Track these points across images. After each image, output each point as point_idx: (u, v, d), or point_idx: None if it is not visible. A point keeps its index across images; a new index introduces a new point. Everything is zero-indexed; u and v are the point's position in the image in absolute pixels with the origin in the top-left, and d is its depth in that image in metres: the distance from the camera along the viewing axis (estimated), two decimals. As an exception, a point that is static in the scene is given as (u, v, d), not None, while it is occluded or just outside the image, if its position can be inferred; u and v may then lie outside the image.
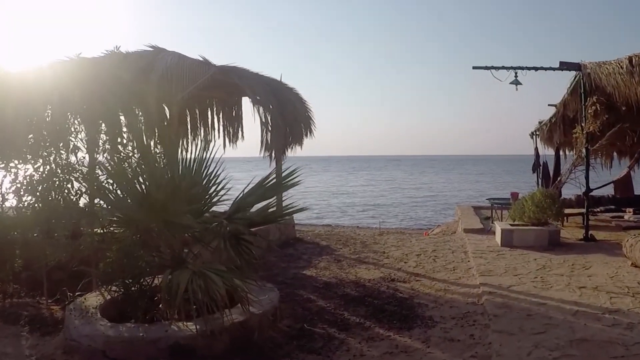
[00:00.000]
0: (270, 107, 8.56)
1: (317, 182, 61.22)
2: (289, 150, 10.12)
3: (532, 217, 9.80)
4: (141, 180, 4.50)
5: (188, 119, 11.09)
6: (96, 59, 7.58)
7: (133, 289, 4.41)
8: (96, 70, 6.90)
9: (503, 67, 10.21)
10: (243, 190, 4.83)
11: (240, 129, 11.16)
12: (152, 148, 5.04)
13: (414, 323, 5.23)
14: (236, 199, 4.78)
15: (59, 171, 5.23)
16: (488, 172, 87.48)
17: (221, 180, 4.78)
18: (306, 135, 10.12)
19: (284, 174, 4.85)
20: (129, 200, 4.37)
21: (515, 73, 10.10)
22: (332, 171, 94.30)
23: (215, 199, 4.73)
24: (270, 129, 8.56)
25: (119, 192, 4.53)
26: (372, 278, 7.38)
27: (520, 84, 10.19)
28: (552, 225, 9.88)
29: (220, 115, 11.20)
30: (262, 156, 8.87)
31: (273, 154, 9.20)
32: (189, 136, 11.26)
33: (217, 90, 9.52)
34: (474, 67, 10.36)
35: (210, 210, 4.88)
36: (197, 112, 10.95)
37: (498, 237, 9.85)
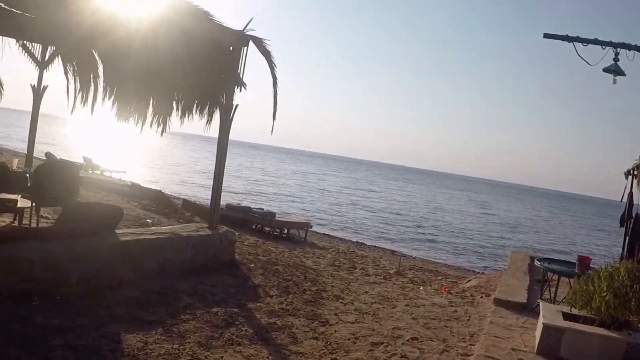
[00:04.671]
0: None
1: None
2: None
3: (603, 311, 5.40)
4: None
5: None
6: None
7: None
8: None
9: (597, 41, 5.89)
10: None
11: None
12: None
13: None
14: None
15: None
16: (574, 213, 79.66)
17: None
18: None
19: None
20: None
21: (616, 52, 5.73)
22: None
23: None
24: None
25: None
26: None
27: (623, 74, 5.80)
28: (636, 332, 5.42)
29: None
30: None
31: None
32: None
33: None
34: (545, 35, 6.11)
35: None
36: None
37: (538, 334, 5.58)
